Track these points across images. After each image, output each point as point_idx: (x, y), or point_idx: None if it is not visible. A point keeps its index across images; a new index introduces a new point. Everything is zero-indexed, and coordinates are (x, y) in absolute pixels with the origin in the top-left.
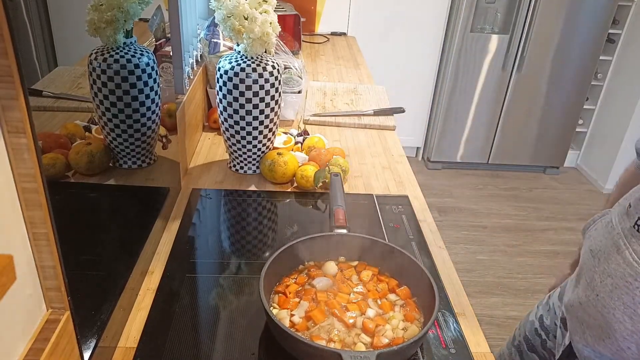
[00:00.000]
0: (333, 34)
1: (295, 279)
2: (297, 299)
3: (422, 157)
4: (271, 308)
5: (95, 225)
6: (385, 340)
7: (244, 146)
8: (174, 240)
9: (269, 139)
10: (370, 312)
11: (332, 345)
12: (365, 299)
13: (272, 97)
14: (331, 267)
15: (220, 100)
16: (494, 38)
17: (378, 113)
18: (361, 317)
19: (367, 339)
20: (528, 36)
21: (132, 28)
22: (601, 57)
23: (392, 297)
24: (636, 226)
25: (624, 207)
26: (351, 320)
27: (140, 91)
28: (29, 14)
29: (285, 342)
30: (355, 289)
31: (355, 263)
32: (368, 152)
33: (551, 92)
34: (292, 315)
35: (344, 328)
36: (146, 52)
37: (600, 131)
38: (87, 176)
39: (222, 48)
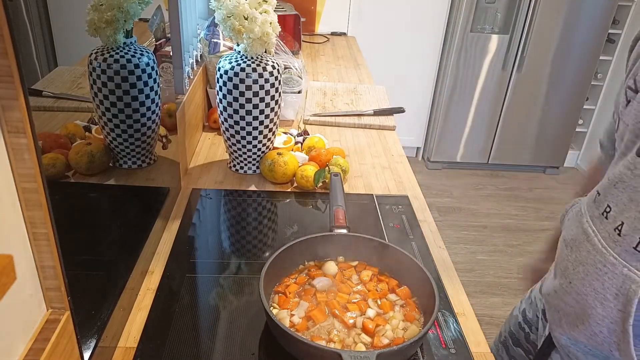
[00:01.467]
0: (333, 34)
1: (295, 279)
2: (297, 299)
3: (422, 157)
4: (271, 308)
5: (95, 225)
6: (386, 341)
7: (244, 146)
8: (174, 240)
9: (269, 139)
10: (370, 312)
11: (332, 345)
12: (365, 299)
13: (272, 97)
14: (331, 267)
15: (220, 100)
16: (494, 38)
17: (378, 113)
18: (361, 317)
19: (367, 339)
20: (528, 36)
21: (132, 28)
22: (601, 57)
23: (392, 297)
24: (605, 213)
25: (592, 195)
26: (351, 321)
27: (140, 91)
28: (29, 14)
29: (285, 342)
30: (355, 289)
31: (355, 263)
32: (368, 152)
33: (551, 92)
34: (292, 315)
35: (344, 328)
36: (146, 52)
37: (600, 131)
38: (87, 176)
39: (222, 48)
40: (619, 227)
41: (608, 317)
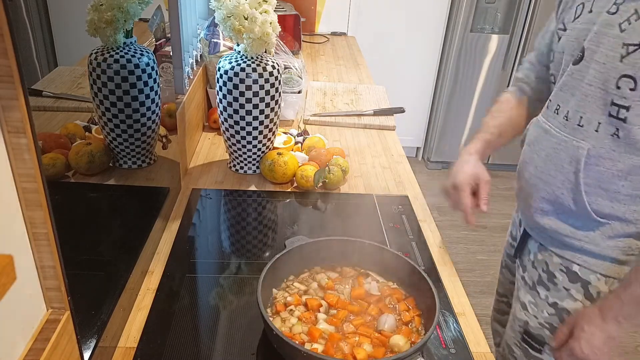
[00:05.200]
0: (333, 34)
1: (295, 291)
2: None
3: (422, 157)
4: (271, 318)
5: (95, 225)
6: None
7: (244, 146)
8: (174, 240)
9: (269, 139)
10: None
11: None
12: (360, 344)
13: (272, 97)
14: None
15: (220, 100)
16: (494, 38)
17: (378, 113)
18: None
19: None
20: (528, 36)
21: (132, 28)
22: None
23: (367, 347)
24: (556, 111)
25: (545, 104)
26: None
27: (140, 91)
28: (29, 14)
29: (284, 351)
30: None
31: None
32: (368, 152)
33: None
34: (292, 325)
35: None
36: (146, 52)
37: None
38: (87, 176)
39: (222, 48)
40: (566, 115)
41: (566, 180)
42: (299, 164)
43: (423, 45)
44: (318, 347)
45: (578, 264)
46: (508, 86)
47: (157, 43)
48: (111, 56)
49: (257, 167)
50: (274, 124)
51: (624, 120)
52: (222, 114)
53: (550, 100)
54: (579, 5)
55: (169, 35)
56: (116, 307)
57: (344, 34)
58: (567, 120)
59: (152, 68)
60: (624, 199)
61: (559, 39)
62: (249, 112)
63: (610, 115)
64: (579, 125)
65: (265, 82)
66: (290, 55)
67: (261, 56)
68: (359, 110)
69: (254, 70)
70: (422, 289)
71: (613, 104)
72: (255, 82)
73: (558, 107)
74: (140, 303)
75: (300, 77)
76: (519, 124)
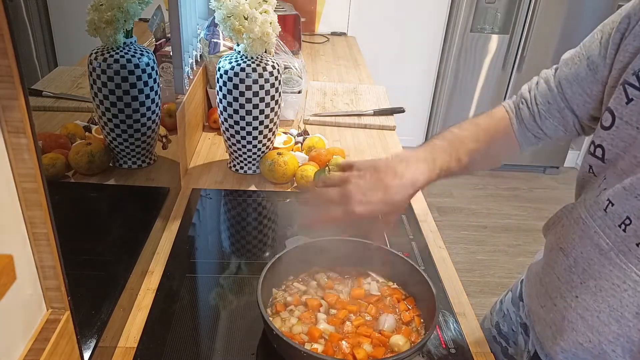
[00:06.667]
0: (333, 34)
1: (293, 292)
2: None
3: None
4: (270, 318)
5: (95, 225)
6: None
7: (244, 146)
8: (174, 240)
9: (269, 139)
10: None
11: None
12: (360, 344)
13: (272, 97)
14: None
15: (220, 100)
16: (494, 38)
17: (378, 113)
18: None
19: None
20: (528, 36)
21: (132, 28)
22: None
23: (367, 347)
24: (623, 226)
25: (600, 204)
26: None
27: (140, 91)
28: (29, 14)
29: (284, 351)
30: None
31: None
32: (368, 152)
33: None
34: (292, 325)
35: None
36: (146, 52)
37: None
38: (87, 176)
39: (222, 48)
40: None
41: (624, 336)
42: (299, 164)
43: (423, 45)
44: (318, 347)
45: None
46: (508, 87)
47: (157, 43)
48: (111, 56)
49: (257, 167)
50: (274, 124)
51: None
52: (222, 114)
53: (610, 202)
54: None
55: (169, 35)
56: (116, 307)
57: (344, 34)
58: None
59: (152, 68)
60: None
61: (628, 100)
62: (249, 112)
63: None
64: None
65: (265, 82)
66: (290, 55)
67: (261, 56)
68: (359, 110)
69: (254, 70)
70: (422, 289)
71: None
72: (255, 82)
73: (627, 222)
74: (140, 303)
75: (300, 77)
76: (495, 156)
